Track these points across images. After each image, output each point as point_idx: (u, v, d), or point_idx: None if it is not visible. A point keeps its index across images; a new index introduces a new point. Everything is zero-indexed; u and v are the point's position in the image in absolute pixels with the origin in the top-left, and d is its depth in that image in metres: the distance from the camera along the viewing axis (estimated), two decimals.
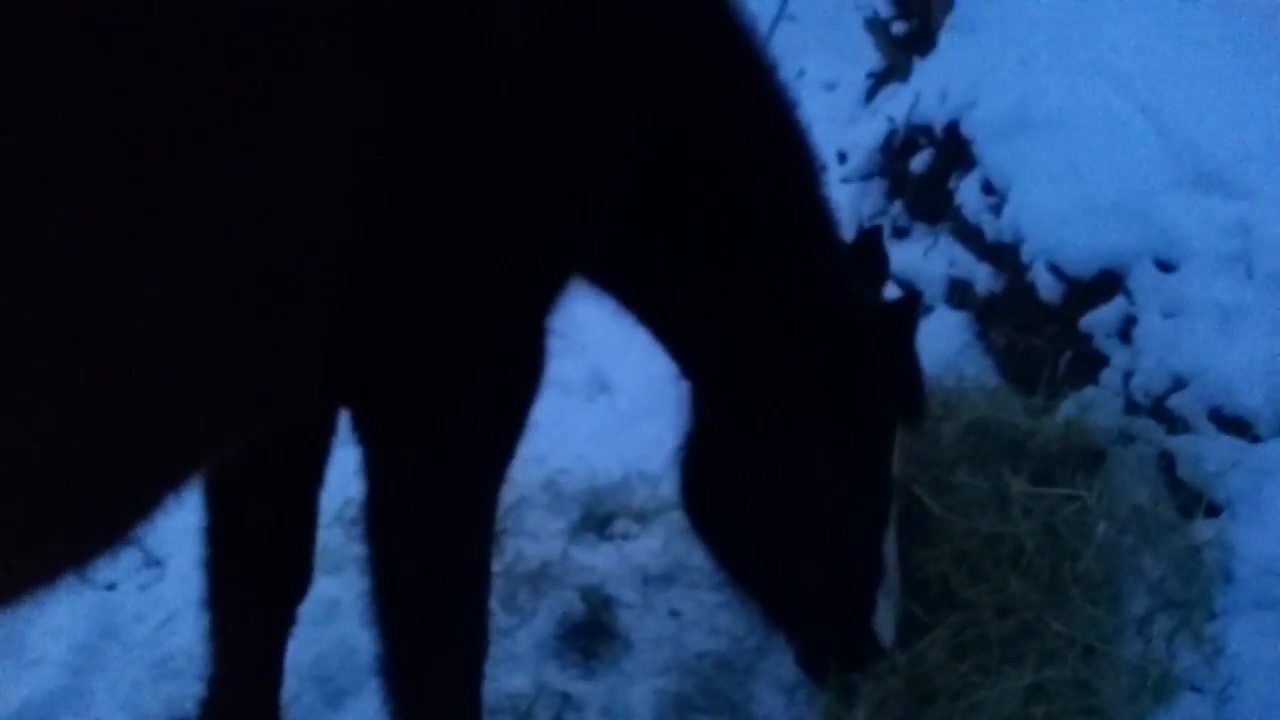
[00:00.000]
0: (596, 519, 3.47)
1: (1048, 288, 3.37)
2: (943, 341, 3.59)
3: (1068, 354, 3.29)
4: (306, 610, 2.84)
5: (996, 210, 3.64)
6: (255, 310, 1.64)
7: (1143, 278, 3.19)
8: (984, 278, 3.64)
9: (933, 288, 3.80)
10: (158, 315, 1.51)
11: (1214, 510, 2.80)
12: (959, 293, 3.76)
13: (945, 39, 4.41)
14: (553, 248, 2.12)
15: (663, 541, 3.34)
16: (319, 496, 2.44)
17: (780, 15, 4.85)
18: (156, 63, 1.43)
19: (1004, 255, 3.57)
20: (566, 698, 2.88)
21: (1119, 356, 3.18)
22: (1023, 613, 2.72)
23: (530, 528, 3.41)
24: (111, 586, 3.13)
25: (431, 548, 2.21)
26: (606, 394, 4.02)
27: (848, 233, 4.17)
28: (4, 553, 1.54)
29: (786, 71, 2.56)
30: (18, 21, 1.32)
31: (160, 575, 3.15)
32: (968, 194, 3.79)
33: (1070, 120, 3.65)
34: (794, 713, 2.82)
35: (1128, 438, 3.02)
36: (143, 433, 1.59)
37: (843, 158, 4.53)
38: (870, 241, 2.93)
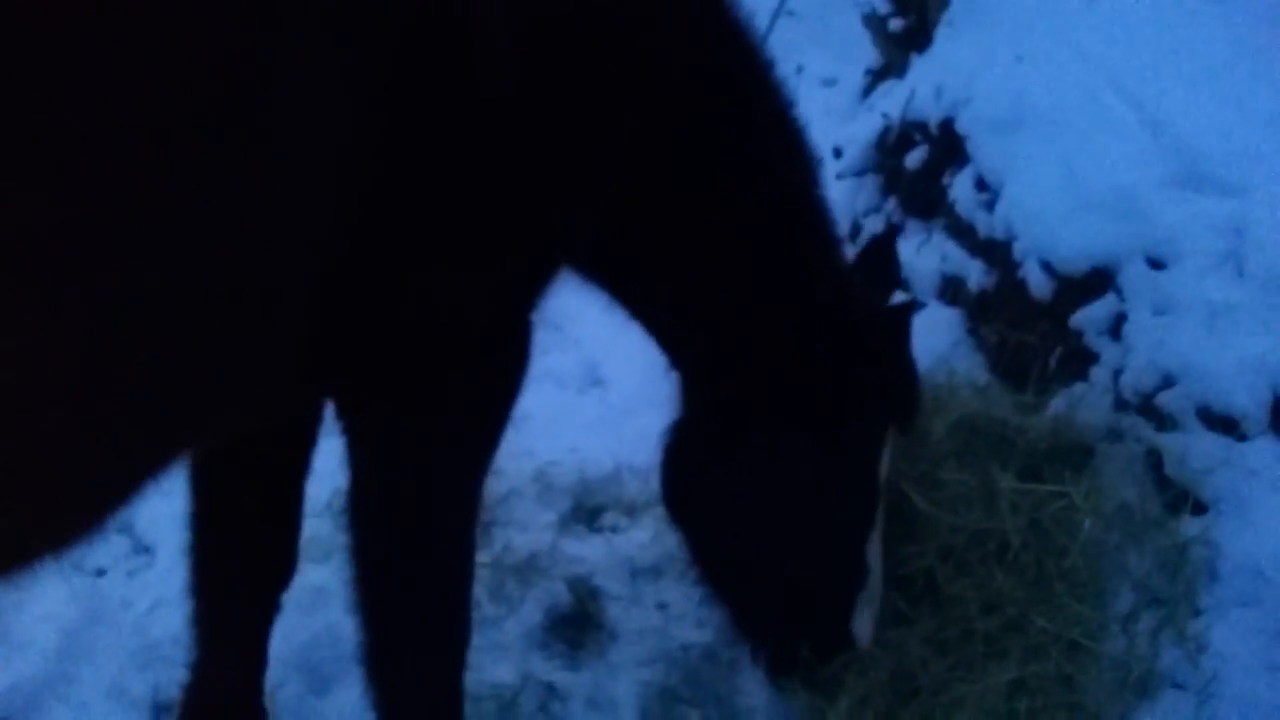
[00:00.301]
0: (586, 511, 3.48)
1: (1039, 285, 3.37)
2: (934, 338, 3.59)
3: (1058, 351, 3.29)
4: (294, 598, 2.85)
5: (989, 207, 3.64)
6: (238, 300, 1.64)
7: (1134, 275, 3.19)
8: (976, 274, 3.64)
9: (925, 284, 3.81)
10: (140, 305, 1.52)
11: (1200, 508, 2.80)
12: (951, 289, 3.76)
13: (942, 35, 4.41)
14: (539, 240, 2.12)
15: (652, 534, 3.34)
16: (305, 485, 2.45)
17: (779, 11, 4.85)
18: (141, 59, 1.43)
19: (996, 252, 3.57)
20: (551, 688, 2.89)
21: (1109, 354, 3.18)
22: (1007, 609, 2.73)
23: (519, 519, 3.41)
24: (101, 573, 3.14)
25: (415, 537, 2.22)
26: (599, 387, 4.03)
27: (842, 228, 4.20)
28: None
29: (785, 68, 2.55)
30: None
31: (149, 562, 3.16)
32: (961, 190, 3.79)
33: (1064, 117, 3.65)
34: (778, 706, 2.82)
35: (1116, 435, 3.02)
36: (123, 421, 1.60)
37: (838, 153, 4.54)
38: (883, 246, 2.93)
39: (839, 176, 4.40)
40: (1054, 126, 3.63)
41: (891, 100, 4.58)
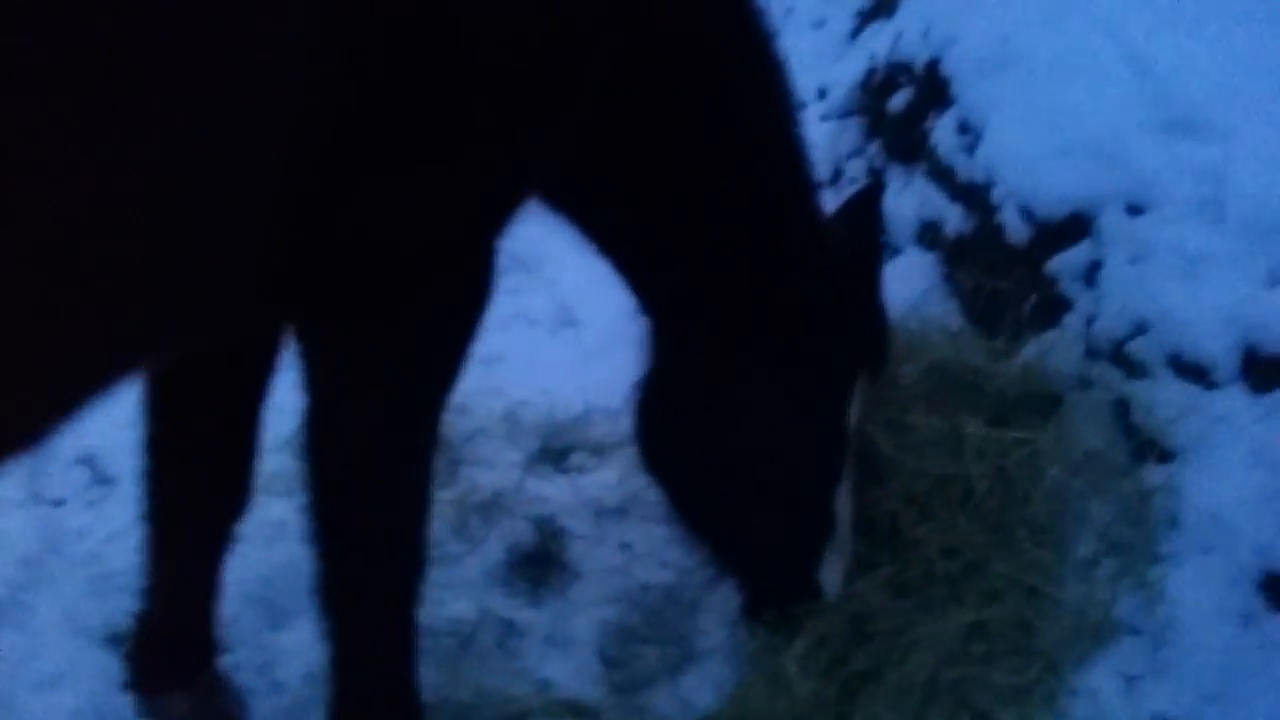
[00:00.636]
0: (554, 452, 3.46)
1: (1016, 230, 3.32)
2: (909, 283, 3.55)
3: (1032, 298, 3.24)
4: (253, 532, 2.85)
5: (971, 150, 3.58)
6: (193, 208, 1.61)
7: (1112, 221, 3.13)
8: (954, 219, 3.59)
9: (903, 229, 3.76)
10: (89, 208, 1.48)
11: (1167, 456, 2.76)
12: (929, 234, 3.71)
13: None
14: (503, 168, 2.07)
15: (619, 475, 3.32)
16: (262, 414, 2.42)
17: None
18: None
19: (975, 196, 3.52)
20: (511, 624, 2.89)
21: (1083, 301, 3.13)
22: (968, 553, 2.72)
23: (486, 458, 3.40)
24: (59, 503, 3.13)
25: (369, 466, 2.20)
26: (572, 328, 3.99)
27: (824, 172, 4.14)
28: None
29: (775, 10, 2.50)
30: None
31: (109, 493, 3.15)
32: (943, 133, 3.73)
33: (1051, 59, 3.57)
34: (737, 646, 2.82)
35: (1086, 383, 2.98)
36: (72, 327, 1.57)
37: (823, 95, 4.46)
38: (868, 200, 2.88)
39: (823, 119, 4.34)
40: (1040, 68, 3.56)
41: (880, 41, 4.50)
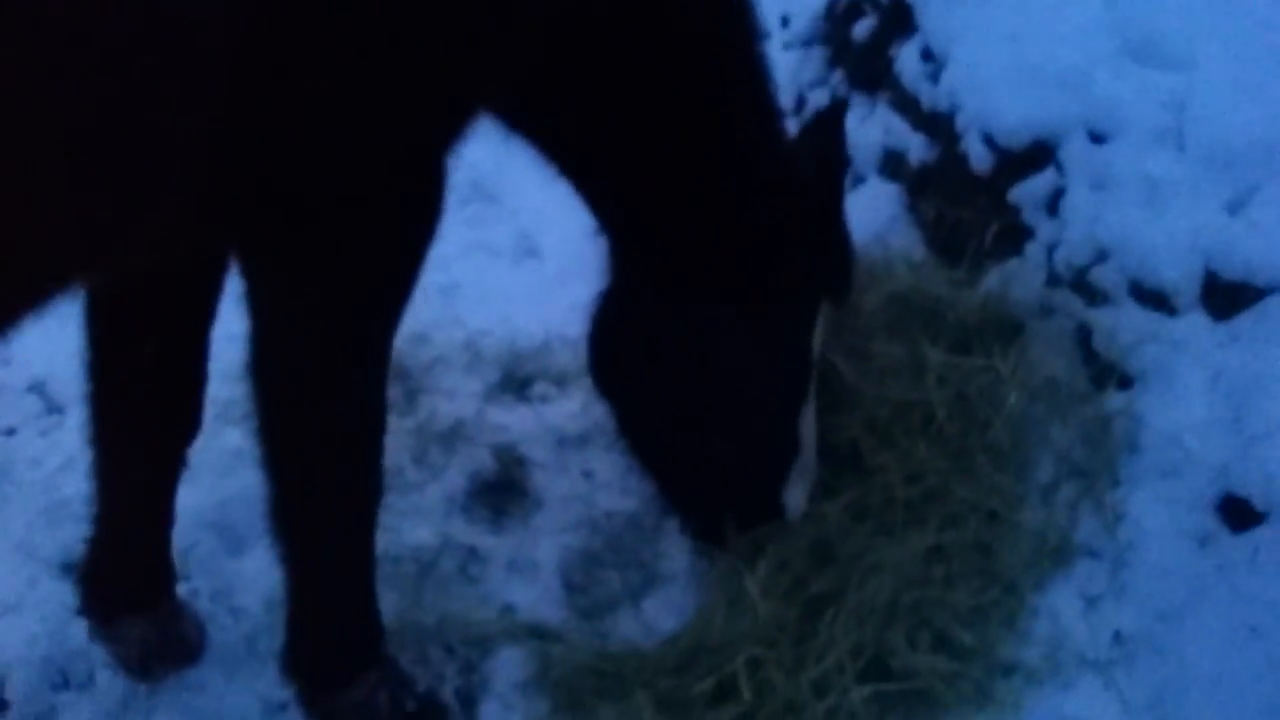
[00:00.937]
0: (515, 381, 3.43)
1: (979, 159, 3.30)
2: (873, 213, 3.53)
3: (995, 227, 3.24)
4: (209, 460, 2.81)
5: (934, 78, 3.55)
6: (128, 125, 1.55)
7: (1074, 150, 3.13)
8: (917, 148, 3.57)
9: (866, 158, 3.73)
10: (18, 119, 1.42)
11: (1127, 382, 2.79)
12: (892, 164, 3.69)
13: None
14: (449, 87, 2.02)
15: (581, 404, 3.30)
16: (208, 338, 2.37)
17: None
18: None
19: (939, 125, 3.49)
20: (473, 551, 2.87)
21: (1045, 229, 3.13)
22: (929, 478, 2.73)
23: (447, 388, 3.36)
24: (11, 432, 3.07)
25: (314, 393, 2.16)
26: (534, 258, 3.94)
27: (787, 101, 4.09)
28: None
29: None
30: None
31: (60, 422, 3.09)
32: (907, 61, 3.70)
33: None
34: (699, 570, 2.82)
35: (1047, 310, 3.00)
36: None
37: (786, 22, 4.41)
38: (830, 120, 2.84)
39: (786, 47, 4.28)
40: None
41: None
